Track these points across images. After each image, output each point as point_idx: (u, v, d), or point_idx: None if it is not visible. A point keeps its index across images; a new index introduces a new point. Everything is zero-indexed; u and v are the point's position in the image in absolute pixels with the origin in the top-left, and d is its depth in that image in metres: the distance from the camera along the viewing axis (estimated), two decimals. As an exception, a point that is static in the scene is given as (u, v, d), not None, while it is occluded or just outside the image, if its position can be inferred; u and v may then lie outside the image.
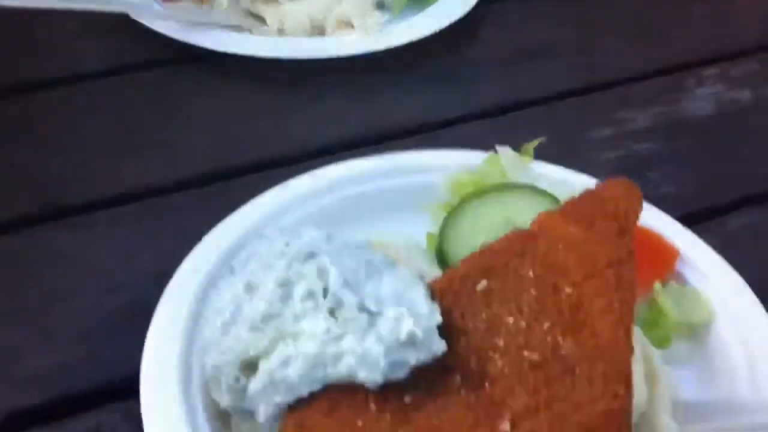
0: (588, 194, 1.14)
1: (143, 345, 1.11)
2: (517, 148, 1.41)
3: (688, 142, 1.68)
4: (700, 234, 1.34)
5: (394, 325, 0.98)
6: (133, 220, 1.44)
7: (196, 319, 1.15)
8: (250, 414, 1.03)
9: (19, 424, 1.12)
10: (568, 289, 1.01)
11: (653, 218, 1.35)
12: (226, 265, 1.16)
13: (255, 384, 1.01)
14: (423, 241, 1.35)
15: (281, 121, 1.69)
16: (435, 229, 1.32)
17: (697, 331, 1.25)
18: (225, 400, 1.04)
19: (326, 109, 1.73)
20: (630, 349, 0.95)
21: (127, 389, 1.10)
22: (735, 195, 1.56)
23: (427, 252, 1.32)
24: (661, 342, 1.21)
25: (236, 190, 1.38)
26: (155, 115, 1.69)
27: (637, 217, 1.09)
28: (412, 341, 0.97)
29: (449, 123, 1.69)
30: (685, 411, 1.08)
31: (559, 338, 0.96)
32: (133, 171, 1.54)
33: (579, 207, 1.12)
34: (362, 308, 1.01)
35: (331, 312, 1.02)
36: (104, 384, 1.18)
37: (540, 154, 1.43)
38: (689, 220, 1.40)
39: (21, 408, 1.14)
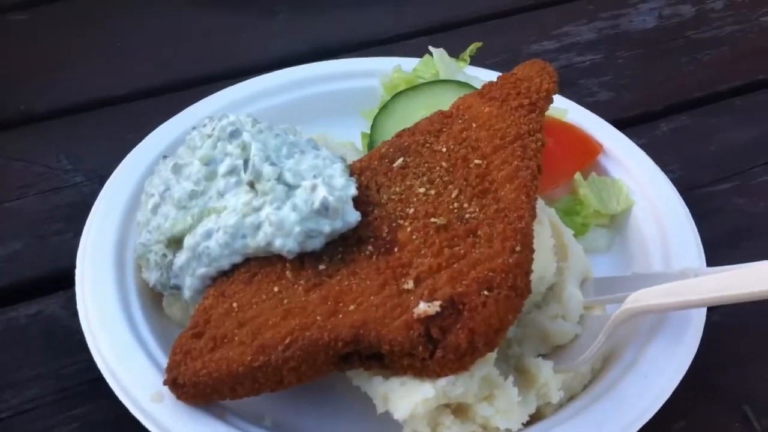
0: (505, 76, 1.18)
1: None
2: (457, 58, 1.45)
3: (628, 55, 1.72)
4: (631, 136, 1.39)
5: (308, 195, 1.03)
6: (82, 127, 1.49)
7: (132, 209, 1.19)
8: (177, 289, 1.08)
9: None
10: (477, 161, 1.05)
11: (582, 117, 1.40)
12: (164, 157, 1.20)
13: (180, 258, 1.07)
14: (358, 140, 1.40)
15: (233, 36, 1.73)
16: (369, 130, 1.37)
17: (616, 220, 1.30)
18: (153, 278, 1.09)
19: (277, 24, 1.77)
20: (531, 212, 0.98)
21: (69, 279, 1.14)
22: (668, 102, 1.60)
23: (363, 149, 1.37)
24: (579, 229, 1.26)
25: (186, 101, 1.41)
26: (106, 31, 1.74)
27: (549, 94, 1.12)
28: (325, 210, 1.01)
29: (399, 38, 1.73)
30: (597, 285, 1.12)
31: (465, 204, 1.00)
32: (86, 82, 1.59)
33: (495, 88, 1.16)
34: (281, 180, 1.06)
35: (251, 185, 1.07)
36: (47, 274, 1.23)
37: (481, 66, 1.47)
38: (622, 123, 1.45)
39: None
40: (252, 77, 1.47)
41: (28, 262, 1.24)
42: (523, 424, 0.94)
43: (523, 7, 1.86)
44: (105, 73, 1.62)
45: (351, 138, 1.38)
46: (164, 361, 0.98)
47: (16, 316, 1.16)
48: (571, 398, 1.01)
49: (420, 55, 1.47)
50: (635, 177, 1.31)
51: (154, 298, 1.12)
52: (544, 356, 1.01)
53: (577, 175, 1.30)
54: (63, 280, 1.18)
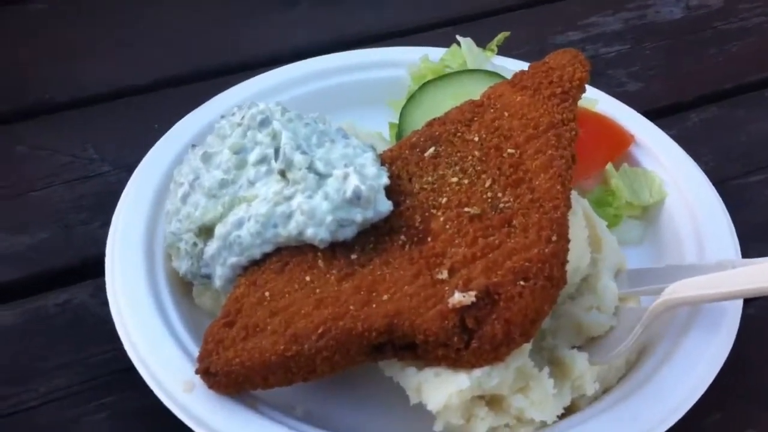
0: (536, 65, 1.17)
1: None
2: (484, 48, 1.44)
3: (655, 45, 1.70)
4: (661, 127, 1.37)
5: (340, 184, 1.01)
6: (107, 117, 1.48)
7: (161, 199, 1.18)
8: (207, 278, 1.08)
9: None
10: (510, 150, 1.03)
11: (613, 108, 1.38)
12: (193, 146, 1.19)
13: (210, 247, 1.06)
14: (386, 131, 1.38)
15: (253, 26, 1.72)
16: (397, 120, 1.35)
17: (649, 212, 1.28)
18: (183, 267, 1.09)
19: (298, 14, 1.75)
20: (566, 202, 0.97)
21: (97, 268, 1.14)
22: (697, 93, 1.58)
23: (390, 140, 1.36)
24: (611, 220, 1.24)
25: (209, 91, 1.40)
26: (129, 20, 1.73)
27: (581, 83, 1.11)
28: (357, 199, 1.00)
29: (420, 29, 1.71)
30: (630, 277, 1.11)
31: (499, 194, 0.99)
32: (108, 72, 1.58)
33: (527, 76, 1.15)
34: (312, 169, 1.04)
35: (282, 174, 1.06)
36: (75, 263, 1.22)
37: (508, 56, 1.45)
38: (652, 114, 1.43)
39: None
40: (273, 68, 1.46)
41: (54, 251, 1.24)
42: (557, 416, 0.93)
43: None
44: (127, 63, 1.62)
45: (378, 128, 1.37)
46: (195, 351, 0.98)
47: (45, 305, 1.16)
48: (605, 391, 1.00)
49: (442, 46, 1.46)
50: (667, 168, 1.30)
51: (184, 288, 1.11)
52: (579, 348, 1.00)
53: (609, 166, 1.29)
54: (90, 270, 1.18)
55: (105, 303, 1.07)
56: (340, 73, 1.47)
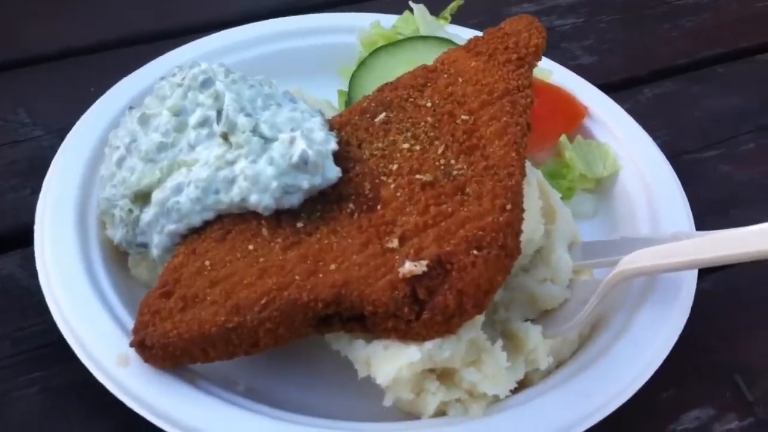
0: (491, 31, 1.13)
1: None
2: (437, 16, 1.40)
3: (610, 19, 1.68)
4: (616, 101, 1.35)
5: (286, 149, 0.97)
6: (41, 80, 1.41)
7: (95, 164, 1.13)
8: (143, 247, 1.02)
9: None
10: (464, 116, 1.00)
11: (568, 80, 1.36)
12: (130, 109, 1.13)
13: (147, 214, 1.00)
14: (335, 99, 1.34)
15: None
16: (346, 87, 1.31)
17: (602, 185, 1.26)
18: (118, 235, 1.03)
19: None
20: (521, 170, 0.94)
21: (26, 237, 1.08)
22: (651, 68, 1.57)
23: (339, 107, 1.31)
24: (565, 193, 1.22)
25: (149, 55, 1.33)
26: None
27: (537, 50, 1.08)
28: (304, 164, 0.95)
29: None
30: (584, 250, 1.08)
31: (452, 161, 0.96)
32: (45, 34, 1.51)
33: (482, 42, 1.11)
34: (256, 132, 0.99)
35: (225, 137, 1.00)
36: (3, 232, 1.16)
37: (461, 26, 1.42)
38: (606, 88, 1.40)
39: None
40: (217, 32, 1.41)
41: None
42: (510, 391, 0.90)
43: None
44: (64, 26, 1.55)
45: (327, 96, 1.33)
46: (130, 323, 0.93)
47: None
48: (559, 365, 0.97)
49: (395, 13, 1.42)
50: (621, 141, 1.28)
51: (119, 258, 1.06)
52: (532, 321, 0.97)
53: (563, 138, 1.26)
54: (20, 239, 1.12)
55: (33, 274, 1.02)
56: (289, 38, 1.42)
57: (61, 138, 1.17)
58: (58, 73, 1.43)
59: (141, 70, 1.29)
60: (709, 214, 1.21)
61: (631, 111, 1.34)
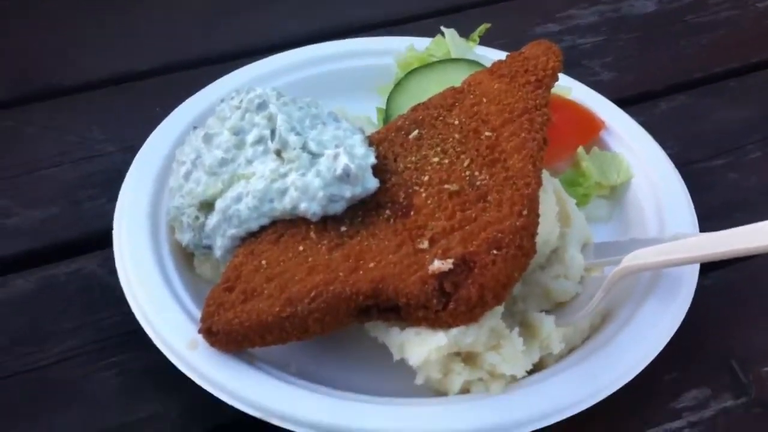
0: (513, 55, 1.26)
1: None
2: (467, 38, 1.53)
3: (629, 37, 1.80)
4: (631, 114, 1.46)
5: (331, 163, 1.11)
6: (111, 101, 1.57)
7: (164, 176, 1.27)
8: (208, 249, 1.17)
9: (12, 268, 1.26)
10: (487, 133, 1.13)
11: (585, 95, 1.48)
12: (194, 128, 1.28)
13: (211, 220, 1.15)
14: (374, 115, 1.48)
15: (253, 17, 1.81)
16: (384, 105, 1.44)
17: (616, 192, 1.38)
18: (186, 238, 1.18)
19: (290, 5, 1.85)
20: (537, 180, 1.07)
21: (103, 241, 1.23)
22: (668, 82, 1.68)
23: (378, 124, 1.45)
24: (581, 199, 1.34)
25: (206, 76, 1.48)
26: (133, 8, 1.82)
27: (554, 72, 1.20)
28: (347, 176, 1.09)
29: (408, 20, 1.81)
30: (596, 250, 1.21)
31: (476, 172, 1.09)
32: (109, 58, 1.68)
33: (504, 65, 1.24)
34: (305, 149, 1.14)
35: (278, 153, 1.15)
36: (83, 236, 1.31)
37: (489, 47, 1.54)
38: (623, 102, 1.52)
39: (13, 254, 1.29)
40: (267, 56, 1.55)
41: (64, 224, 1.33)
42: (526, 372, 1.03)
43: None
44: (130, 50, 1.71)
45: (366, 113, 1.46)
46: (197, 314, 1.07)
47: (56, 273, 1.25)
48: (570, 351, 1.09)
49: (427, 36, 1.55)
50: (635, 152, 1.39)
51: (186, 258, 1.20)
52: (547, 312, 1.09)
53: (580, 149, 1.38)
54: (98, 241, 1.27)
55: (111, 272, 1.16)
56: (332, 61, 1.56)
57: (132, 153, 1.32)
58: (125, 95, 1.59)
59: (201, 92, 1.44)
60: (715, 218, 1.31)
61: (645, 123, 1.45)
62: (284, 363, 1.07)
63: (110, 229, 1.20)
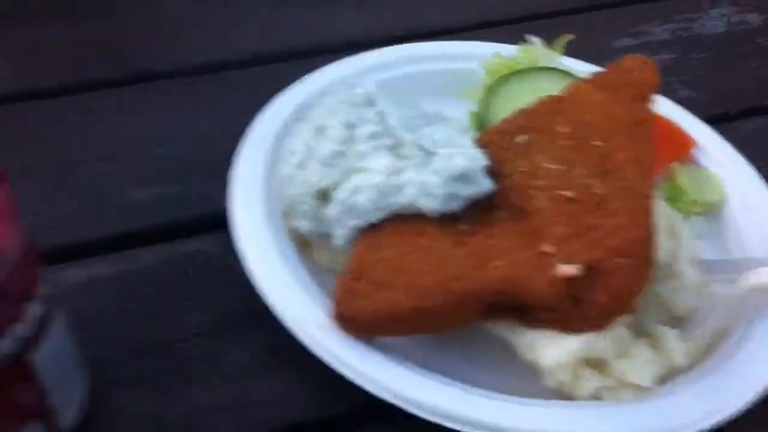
0: (610, 67, 1.27)
1: (226, 186, 1.24)
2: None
3: (701, 56, 1.81)
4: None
5: (447, 162, 1.11)
6: (214, 88, 1.58)
7: (273, 162, 1.28)
8: (327, 236, 1.16)
9: (131, 244, 1.26)
10: (597, 143, 1.13)
11: (673, 112, 1.49)
12: (297, 119, 1.30)
13: (331, 210, 1.14)
14: (466, 119, 1.47)
15: (339, 14, 1.82)
16: (476, 109, 1.44)
17: (710, 210, 1.38)
18: (304, 226, 1.18)
19: (368, 7, 1.86)
20: (651, 191, 1.07)
21: (217, 222, 1.24)
22: (744, 104, 1.68)
23: (471, 128, 1.44)
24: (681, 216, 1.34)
25: (294, 69, 1.47)
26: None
27: (653, 85, 1.21)
28: (463, 176, 1.09)
29: (478, 26, 1.81)
30: (703, 266, 1.19)
31: (591, 181, 1.09)
32: (204, 47, 1.70)
33: (604, 77, 1.25)
34: (420, 147, 1.14)
35: (392, 150, 1.15)
36: (197, 216, 1.31)
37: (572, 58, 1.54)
38: (705, 122, 1.52)
39: (129, 231, 1.29)
40: (350, 53, 1.54)
41: (174, 205, 1.33)
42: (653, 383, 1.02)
43: (598, 5, 1.95)
44: (222, 40, 1.72)
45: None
46: (320, 299, 1.07)
47: (176, 250, 1.25)
48: (692, 366, 1.08)
49: (504, 43, 1.56)
50: (726, 170, 1.40)
51: (301, 245, 1.20)
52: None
53: (676, 164, 1.38)
54: (211, 222, 1.27)
55: (226, 252, 1.18)
56: (415, 62, 1.56)
57: (235, 140, 1.31)
58: (225, 82, 1.60)
59: (298, 85, 1.43)
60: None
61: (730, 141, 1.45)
62: (408, 353, 1.06)
63: (223, 211, 1.21)
